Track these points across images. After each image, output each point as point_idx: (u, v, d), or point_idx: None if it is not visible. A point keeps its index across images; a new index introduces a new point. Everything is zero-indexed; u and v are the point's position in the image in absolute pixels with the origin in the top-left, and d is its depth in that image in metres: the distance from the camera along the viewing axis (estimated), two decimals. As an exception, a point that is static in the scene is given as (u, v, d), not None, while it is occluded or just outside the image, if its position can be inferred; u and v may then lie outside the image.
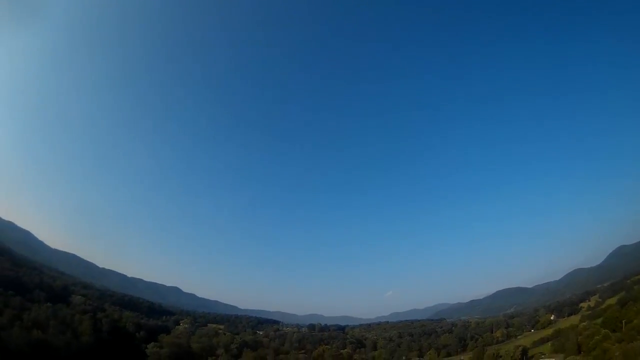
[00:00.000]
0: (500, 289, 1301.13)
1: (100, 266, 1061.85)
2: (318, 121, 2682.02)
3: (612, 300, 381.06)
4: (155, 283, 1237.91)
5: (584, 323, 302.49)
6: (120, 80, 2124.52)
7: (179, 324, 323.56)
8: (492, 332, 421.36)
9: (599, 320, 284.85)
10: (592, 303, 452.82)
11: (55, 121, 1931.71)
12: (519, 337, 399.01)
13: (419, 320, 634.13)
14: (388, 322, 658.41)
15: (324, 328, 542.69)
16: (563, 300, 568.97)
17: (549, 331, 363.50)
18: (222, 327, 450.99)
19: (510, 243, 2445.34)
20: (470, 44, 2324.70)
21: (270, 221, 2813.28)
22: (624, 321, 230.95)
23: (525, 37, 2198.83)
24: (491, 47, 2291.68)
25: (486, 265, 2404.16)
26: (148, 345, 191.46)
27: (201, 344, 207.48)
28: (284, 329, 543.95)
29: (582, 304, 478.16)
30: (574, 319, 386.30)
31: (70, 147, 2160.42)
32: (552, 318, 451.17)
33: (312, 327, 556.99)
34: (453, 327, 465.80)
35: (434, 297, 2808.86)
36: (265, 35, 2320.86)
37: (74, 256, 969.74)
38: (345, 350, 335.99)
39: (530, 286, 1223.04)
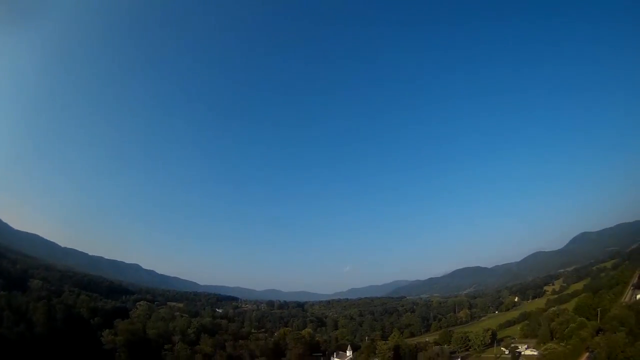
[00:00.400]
0: (459, 267, 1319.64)
1: (62, 245, 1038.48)
2: (278, 99, 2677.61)
3: (578, 286, 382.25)
4: (116, 260, 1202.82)
5: (553, 308, 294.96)
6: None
7: (137, 305, 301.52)
8: (455, 313, 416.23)
9: (569, 306, 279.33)
10: (556, 287, 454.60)
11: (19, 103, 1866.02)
12: (483, 318, 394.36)
13: (379, 298, 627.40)
14: (348, 299, 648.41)
15: (283, 305, 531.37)
16: (526, 283, 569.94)
17: (514, 314, 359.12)
18: (181, 305, 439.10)
19: (471, 222, 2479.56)
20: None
21: (227, 197, 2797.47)
22: (599, 309, 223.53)
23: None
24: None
25: (445, 244, 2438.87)
26: (103, 333, 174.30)
27: (157, 329, 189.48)
28: (244, 306, 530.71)
29: (546, 287, 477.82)
30: (539, 302, 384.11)
31: (26, 127, 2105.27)
32: (515, 300, 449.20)
33: (271, 303, 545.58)
34: (415, 306, 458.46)
35: (392, 274, 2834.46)
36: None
37: (36, 236, 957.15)
38: (306, 329, 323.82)
39: (489, 266, 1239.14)
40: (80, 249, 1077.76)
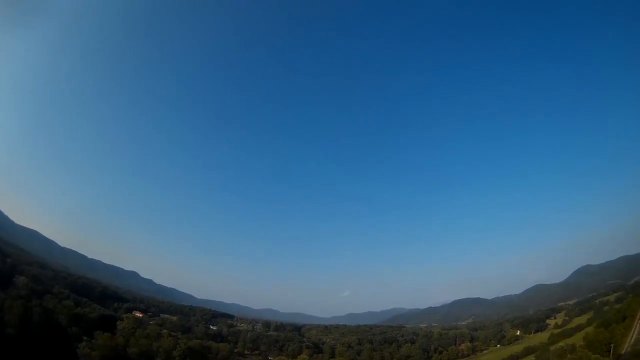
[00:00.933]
0: (459, 298, 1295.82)
1: (62, 245, 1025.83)
2: (284, 113, 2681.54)
3: (581, 319, 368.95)
4: (114, 266, 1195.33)
5: (560, 343, 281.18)
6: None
7: (124, 317, 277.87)
8: (456, 345, 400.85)
9: (574, 340, 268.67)
10: (558, 320, 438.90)
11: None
12: (484, 351, 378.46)
13: (378, 326, 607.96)
14: (346, 325, 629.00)
15: (280, 327, 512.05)
16: (529, 316, 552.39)
17: (517, 347, 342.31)
18: (175, 318, 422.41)
19: (471, 253, 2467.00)
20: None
21: (229, 211, 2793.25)
22: (612, 345, 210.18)
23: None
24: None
25: (445, 273, 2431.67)
26: (80, 345, 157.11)
27: (139, 347, 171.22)
28: (239, 325, 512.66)
29: (548, 321, 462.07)
30: (542, 336, 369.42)
31: (41, 126, 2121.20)
32: (517, 333, 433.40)
33: (267, 324, 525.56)
34: (415, 337, 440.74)
35: (391, 301, 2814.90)
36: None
37: (36, 233, 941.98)
38: (302, 356, 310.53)
39: (489, 297, 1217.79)
40: (79, 251, 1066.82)
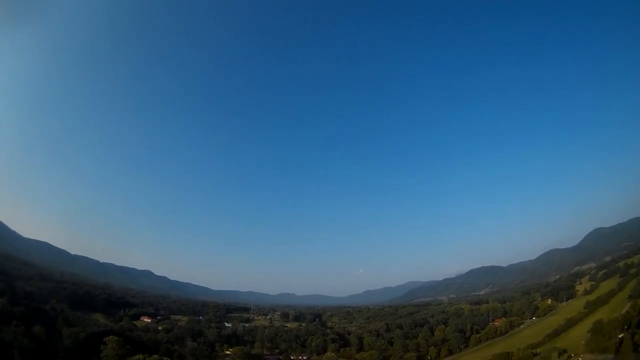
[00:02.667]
0: (474, 267, 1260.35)
1: (73, 253, 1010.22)
2: (289, 96, 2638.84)
3: (610, 284, 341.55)
4: (127, 267, 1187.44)
5: (602, 314, 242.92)
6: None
7: (106, 340, 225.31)
8: (490, 320, 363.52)
9: (616, 308, 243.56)
10: (586, 286, 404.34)
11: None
12: (522, 326, 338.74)
13: (403, 306, 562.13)
14: (369, 308, 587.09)
15: (299, 316, 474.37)
16: (554, 283, 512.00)
17: (557, 319, 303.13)
18: (185, 320, 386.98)
19: (483, 221, 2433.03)
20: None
21: (239, 200, 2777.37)
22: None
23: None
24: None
25: (458, 243, 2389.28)
26: None
27: None
28: (255, 318, 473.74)
29: (577, 287, 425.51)
30: (576, 305, 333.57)
31: (42, 135, 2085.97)
32: (549, 303, 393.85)
33: (285, 315, 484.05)
34: (446, 316, 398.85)
35: (406, 275, 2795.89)
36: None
37: (46, 244, 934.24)
38: (328, 354, 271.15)
39: (504, 265, 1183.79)
40: (91, 257, 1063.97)
